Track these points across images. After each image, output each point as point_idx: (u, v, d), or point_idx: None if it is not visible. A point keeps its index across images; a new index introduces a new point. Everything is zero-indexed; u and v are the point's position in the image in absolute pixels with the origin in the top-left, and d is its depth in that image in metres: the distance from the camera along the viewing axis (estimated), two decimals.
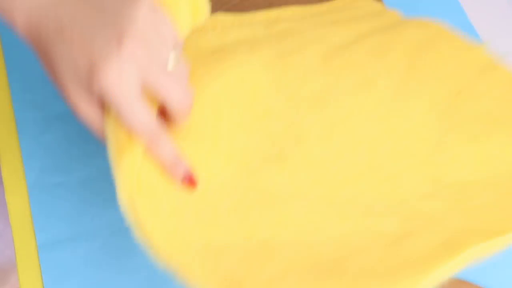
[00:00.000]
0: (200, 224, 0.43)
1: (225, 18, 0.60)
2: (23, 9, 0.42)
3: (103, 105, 0.42)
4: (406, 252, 0.44)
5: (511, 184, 0.51)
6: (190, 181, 0.43)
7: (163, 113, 0.45)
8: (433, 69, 0.58)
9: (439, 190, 0.51)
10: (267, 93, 0.54)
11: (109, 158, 0.42)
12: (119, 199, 0.40)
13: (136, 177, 0.41)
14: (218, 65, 0.52)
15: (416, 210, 0.49)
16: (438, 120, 0.55)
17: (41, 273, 0.56)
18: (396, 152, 0.53)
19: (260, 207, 0.47)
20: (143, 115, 0.40)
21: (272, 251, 0.43)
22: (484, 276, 0.58)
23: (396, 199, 0.50)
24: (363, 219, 0.47)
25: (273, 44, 0.56)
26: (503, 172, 0.52)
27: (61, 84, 0.42)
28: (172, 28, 0.42)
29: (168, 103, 0.42)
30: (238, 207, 0.46)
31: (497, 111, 0.55)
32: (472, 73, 0.58)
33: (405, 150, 0.53)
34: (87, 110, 0.42)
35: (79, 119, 0.45)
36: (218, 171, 0.48)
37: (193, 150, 0.47)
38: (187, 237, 0.42)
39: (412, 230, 0.46)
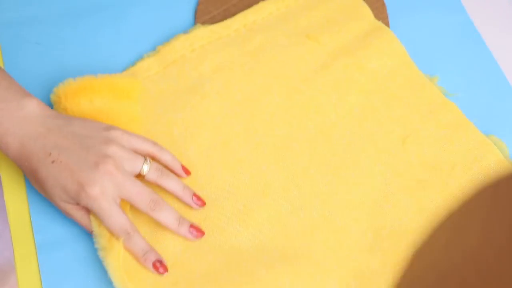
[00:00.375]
0: None
1: (203, 35, 0.66)
2: (16, 137, 0.53)
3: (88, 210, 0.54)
4: None
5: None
6: (160, 264, 0.54)
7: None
8: (387, 111, 0.63)
9: (380, 242, 0.56)
10: (237, 143, 0.60)
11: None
12: (113, 277, 0.52)
13: (123, 261, 0.53)
14: (194, 120, 0.61)
15: (359, 264, 0.55)
16: (385, 169, 0.60)
17: (39, 274, 0.55)
18: (347, 204, 0.58)
19: (228, 269, 0.54)
20: (119, 219, 0.53)
21: None
22: None
23: (343, 253, 0.55)
24: (311, 277, 0.54)
25: (245, 75, 0.64)
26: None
27: (51, 198, 0.54)
28: (141, 147, 0.56)
29: (137, 207, 0.54)
30: (210, 271, 0.54)
31: (437, 157, 0.60)
32: (421, 114, 0.63)
33: (355, 201, 0.58)
34: (75, 214, 0.54)
35: (70, 218, 0.55)
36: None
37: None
38: None
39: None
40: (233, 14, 0.68)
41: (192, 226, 0.55)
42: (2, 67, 0.65)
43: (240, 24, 0.67)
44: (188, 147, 0.60)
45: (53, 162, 0.52)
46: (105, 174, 0.52)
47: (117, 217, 0.52)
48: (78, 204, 0.53)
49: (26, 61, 0.66)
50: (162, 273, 0.53)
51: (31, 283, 0.55)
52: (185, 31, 0.67)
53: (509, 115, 0.66)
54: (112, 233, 0.53)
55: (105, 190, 0.52)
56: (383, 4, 0.71)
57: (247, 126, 0.61)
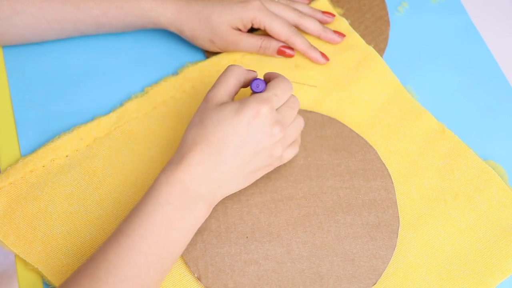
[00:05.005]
0: None
1: (193, 76, 0.66)
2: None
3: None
4: None
5: None
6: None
7: None
8: (383, 144, 0.63)
9: (385, 280, 0.56)
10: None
11: None
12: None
13: None
14: None
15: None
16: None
17: (41, 279, 0.56)
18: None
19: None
20: (281, 25, 0.65)
21: None
22: None
23: None
24: None
25: None
26: None
27: (219, 27, 0.64)
28: None
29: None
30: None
31: (438, 188, 0.61)
32: (418, 146, 0.63)
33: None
34: (240, 39, 0.65)
35: (241, 49, 0.66)
36: None
37: None
38: None
39: None
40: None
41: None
42: (3, 67, 0.66)
43: (230, 60, 0.67)
44: None
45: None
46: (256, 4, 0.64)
47: (281, 19, 0.65)
48: (242, 27, 0.65)
49: (28, 61, 0.67)
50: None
51: (31, 285, 0.56)
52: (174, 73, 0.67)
53: (509, 115, 0.65)
54: (280, 29, 0.65)
55: (262, 5, 0.64)
56: (383, 2, 0.71)
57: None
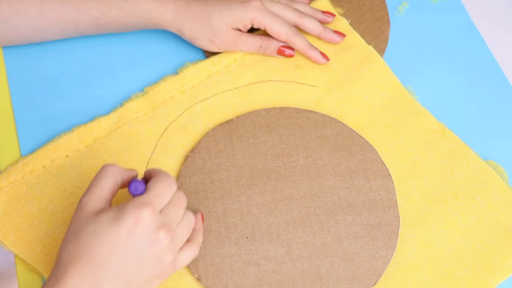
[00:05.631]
0: None
1: (192, 75, 0.66)
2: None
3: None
4: None
5: None
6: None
7: None
8: (383, 144, 0.63)
9: (385, 280, 0.56)
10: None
11: None
12: None
13: None
14: None
15: None
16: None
17: (41, 279, 0.56)
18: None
19: None
20: (281, 25, 0.65)
21: None
22: None
23: None
24: None
25: (236, 115, 0.64)
26: None
27: (218, 27, 0.64)
28: None
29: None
30: None
31: (438, 188, 0.61)
32: (419, 146, 0.63)
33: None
34: (239, 39, 0.65)
35: (242, 49, 0.66)
36: None
37: None
38: None
39: None
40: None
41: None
42: (3, 67, 0.66)
43: (230, 59, 0.67)
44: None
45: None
46: (256, 4, 0.64)
47: (278, 22, 0.65)
48: (242, 27, 0.65)
49: (28, 60, 0.67)
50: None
51: (32, 286, 0.56)
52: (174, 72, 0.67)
53: (509, 115, 0.65)
54: (280, 29, 0.65)
55: (262, 5, 0.65)
56: (383, 1, 0.71)
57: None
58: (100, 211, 0.46)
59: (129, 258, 0.45)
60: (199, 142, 0.62)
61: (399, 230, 0.58)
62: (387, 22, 0.71)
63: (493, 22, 0.73)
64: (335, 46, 0.68)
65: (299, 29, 0.68)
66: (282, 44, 0.66)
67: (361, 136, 0.63)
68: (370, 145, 0.62)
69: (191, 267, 0.55)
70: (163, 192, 0.47)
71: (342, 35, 0.68)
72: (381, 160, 0.61)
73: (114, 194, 0.49)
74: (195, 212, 0.55)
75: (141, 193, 0.47)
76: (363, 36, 0.70)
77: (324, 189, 0.60)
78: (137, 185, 0.47)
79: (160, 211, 0.47)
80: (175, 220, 0.48)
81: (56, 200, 0.58)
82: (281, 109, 0.64)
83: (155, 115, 0.64)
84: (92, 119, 0.63)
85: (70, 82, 0.66)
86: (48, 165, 0.60)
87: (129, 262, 0.45)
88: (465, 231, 0.58)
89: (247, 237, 0.57)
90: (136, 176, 0.51)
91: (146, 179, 0.50)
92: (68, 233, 0.47)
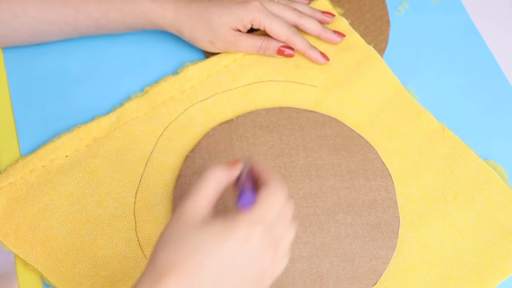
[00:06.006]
0: None
1: (192, 75, 0.66)
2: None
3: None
4: None
5: None
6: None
7: None
8: (383, 144, 0.63)
9: (385, 280, 0.56)
10: None
11: None
12: None
13: None
14: None
15: None
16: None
17: (41, 279, 0.56)
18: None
19: None
20: (280, 25, 0.65)
21: None
22: None
23: None
24: None
25: (236, 116, 0.64)
26: None
27: (217, 30, 0.64)
28: None
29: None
30: None
31: (438, 188, 0.61)
32: (418, 146, 0.63)
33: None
34: (240, 40, 0.65)
35: (241, 50, 0.66)
36: None
37: None
38: None
39: None
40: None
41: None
42: (3, 67, 0.66)
43: (230, 60, 0.67)
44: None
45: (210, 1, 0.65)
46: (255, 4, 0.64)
47: (278, 23, 0.65)
48: (242, 28, 0.65)
49: (28, 61, 0.67)
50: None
51: (32, 286, 0.56)
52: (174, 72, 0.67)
53: (509, 115, 0.65)
54: (280, 29, 0.65)
55: (262, 5, 0.65)
56: (383, 1, 0.72)
57: None
58: (206, 222, 0.44)
59: (231, 275, 0.43)
60: (199, 142, 0.62)
61: (399, 230, 0.58)
62: (387, 22, 0.71)
63: (493, 22, 0.73)
64: (335, 46, 0.68)
65: (298, 29, 0.68)
66: (282, 44, 0.66)
67: (361, 136, 0.63)
68: (370, 145, 0.62)
69: None
70: (276, 206, 0.44)
71: (341, 35, 0.68)
72: (381, 160, 0.61)
73: (217, 198, 0.46)
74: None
75: (251, 205, 0.44)
76: (363, 36, 0.70)
77: (324, 189, 0.59)
78: (245, 202, 0.44)
79: (269, 225, 0.44)
80: (282, 233, 0.45)
81: (56, 200, 0.58)
82: (281, 109, 0.64)
83: (155, 115, 0.64)
84: (92, 119, 0.63)
85: (70, 82, 0.66)
86: (48, 165, 0.60)
87: (230, 278, 0.43)
88: (465, 231, 0.58)
89: None
90: (241, 175, 0.47)
91: (253, 177, 0.47)
92: (166, 238, 0.44)
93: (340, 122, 0.63)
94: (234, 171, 0.47)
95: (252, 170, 0.48)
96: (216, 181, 0.45)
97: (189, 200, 0.45)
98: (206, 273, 0.42)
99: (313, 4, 0.71)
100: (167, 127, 0.63)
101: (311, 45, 0.66)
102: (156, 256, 0.44)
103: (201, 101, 0.65)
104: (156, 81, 0.66)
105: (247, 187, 0.45)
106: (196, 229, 0.43)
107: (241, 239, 0.42)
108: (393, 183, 0.60)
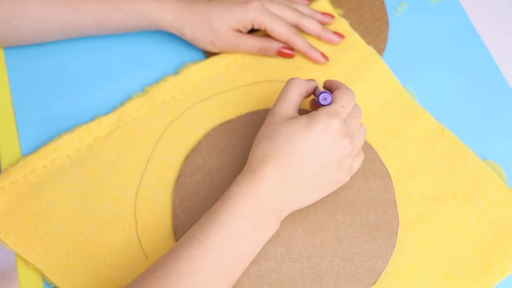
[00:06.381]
0: None
1: (193, 75, 0.66)
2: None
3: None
4: None
5: None
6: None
7: None
8: (383, 144, 0.63)
9: (385, 279, 0.56)
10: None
11: None
12: None
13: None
14: None
15: None
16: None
17: (42, 278, 0.56)
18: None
19: None
20: (281, 26, 0.65)
21: None
22: None
23: None
24: None
25: (237, 115, 0.64)
26: None
27: (219, 29, 0.64)
28: None
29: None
30: None
31: (437, 188, 0.61)
32: (418, 146, 0.63)
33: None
34: (240, 40, 0.66)
35: (242, 50, 0.67)
36: None
37: None
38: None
39: None
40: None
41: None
42: (5, 67, 0.66)
43: (231, 60, 0.67)
44: None
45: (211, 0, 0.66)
46: (256, 5, 0.65)
47: (278, 23, 0.65)
48: (243, 28, 0.65)
49: (29, 61, 0.68)
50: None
51: (32, 285, 0.56)
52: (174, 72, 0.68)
53: (508, 115, 0.66)
54: (280, 29, 0.65)
55: (262, 6, 0.65)
56: (382, 2, 0.72)
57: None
58: (292, 117, 0.53)
59: (316, 160, 0.51)
60: (199, 142, 0.62)
61: (398, 229, 0.58)
62: (386, 23, 0.71)
63: (492, 23, 0.73)
64: (335, 47, 0.69)
65: (299, 29, 0.68)
66: (282, 45, 0.67)
67: None
68: (370, 145, 0.62)
69: None
70: (347, 104, 0.53)
71: (341, 36, 0.68)
72: (381, 160, 0.62)
73: (300, 103, 0.56)
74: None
75: (329, 103, 0.53)
76: (362, 36, 0.70)
77: None
78: (325, 96, 0.53)
79: (344, 121, 0.53)
80: (355, 130, 0.54)
81: (57, 199, 0.59)
82: None
83: (155, 114, 0.64)
84: (93, 119, 0.64)
85: (71, 82, 0.66)
86: (49, 164, 0.60)
87: (315, 163, 0.51)
88: (464, 231, 0.58)
89: None
90: (317, 86, 0.57)
91: (327, 89, 0.57)
92: (260, 135, 0.53)
93: None
94: (313, 82, 0.57)
95: (324, 84, 0.58)
96: (298, 87, 0.55)
97: (277, 104, 0.54)
98: (296, 157, 0.51)
99: (313, 5, 0.71)
100: (167, 126, 0.63)
101: (312, 45, 0.67)
102: (253, 151, 0.53)
103: (202, 101, 0.65)
104: (157, 81, 0.67)
105: (325, 91, 0.53)
106: (285, 124, 0.52)
107: (323, 128, 0.51)
108: (392, 183, 0.60)
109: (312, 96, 0.60)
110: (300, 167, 0.51)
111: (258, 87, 0.66)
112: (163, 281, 0.46)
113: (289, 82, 0.55)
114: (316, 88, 0.57)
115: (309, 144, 0.51)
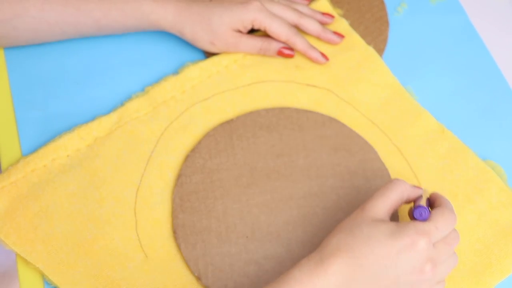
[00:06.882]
0: None
1: (193, 75, 0.66)
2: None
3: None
4: None
5: None
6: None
7: None
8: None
9: None
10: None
11: None
12: None
13: None
14: None
15: None
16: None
17: (42, 278, 0.56)
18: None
19: None
20: (281, 26, 0.65)
21: None
22: None
23: None
24: None
25: (237, 116, 0.64)
26: None
27: (219, 29, 0.64)
28: None
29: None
30: None
31: (437, 189, 0.60)
32: (418, 146, 0.63)
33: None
34: (240, 40, 0.66)
35: (242, 50, 0.67)
36: None
37: None
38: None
39: None
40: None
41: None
42: (5, 67, 0.66)
43: (231, 60, 0.67)
44: None
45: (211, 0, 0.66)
46: (256, 5, 0.65)
47: (281, 20, 0.66)
48: (243, 29, 0.65)
49: (29, 61, 0.68)
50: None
51: (33, 286, 0.56)
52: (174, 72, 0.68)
53: (508, 115, 0.66)
54: (280, 29, 0.65)
55: (262, 6, 0.65)
56: (382, 2, 0.72)
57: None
58: (380, 220, 0.49)
59: (388, 273, 0.47)
60: (199, 142, 0.62)
61: None
62: (386, 23, 0.71)
63: (491, 23, 0.73)
64: (335, 47, 0.69)
65: (299, 29, 0.68)
66: (282, 45, 0.67)
67: (360, 136, 0.63)
68: (370, 145, 0.62)
69: (192, 266, 0.56)
70: (443, 227, 0.48)
71: (341, 36, 0.68)
72: (381, 160, 0.62)
73: (396, 209, 0.52)
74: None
75: (424, 219, 0.49)
76: (362, 36, 0.70)
77: (323, 189, 0.60)
78: (421, 211, 0.49)
79: (433, 244, 0.48)
80: (443, 257, 0.49)
81: (57, 199, 0.59)
82: (281, 109, 0.64)
83: (155, 114, 0.64)
84: (93, 119, 0.64)
85: (71, 82, 0.66)
86: (49, 164, 0.60)
87: (387, 277, 0.47)
88: (464, 231, 0.58)
89: (247, 237, 0.57)
90: (421, 196, 0.52)
91: (430, 202, 0.53)
92: (342, 225, 0.50)
93: (340, 122, 0.64)
94: (418, 190, 0.52)
95: (430, 196, 0.54)
96: (400, 192, 0.51)
97: (371, 201, 0.50)
98: (369, 262, 0.47)
99: (313, 5, 0.71)
100: (167, 126, 0.63)
101: (311, 45, 0.67)
102: (328, 238, 0.49)
103: (202, 101, 0.65)
104: (157, 81, 0.67)
105: (423, 204, 0.50)
106: (371, 223, 0.48)
107: (407, 243, 0.47)
108: None
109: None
110: (369, 273, 0.47)
111: (258, 87, 0.66)
112: None
113: (392, 182, 0.51)
114: (419, 197, 0.52)
115: (387, 254, 0.47)
